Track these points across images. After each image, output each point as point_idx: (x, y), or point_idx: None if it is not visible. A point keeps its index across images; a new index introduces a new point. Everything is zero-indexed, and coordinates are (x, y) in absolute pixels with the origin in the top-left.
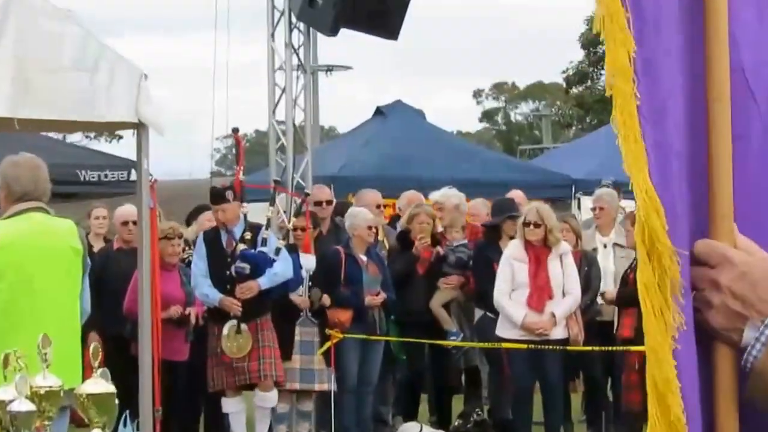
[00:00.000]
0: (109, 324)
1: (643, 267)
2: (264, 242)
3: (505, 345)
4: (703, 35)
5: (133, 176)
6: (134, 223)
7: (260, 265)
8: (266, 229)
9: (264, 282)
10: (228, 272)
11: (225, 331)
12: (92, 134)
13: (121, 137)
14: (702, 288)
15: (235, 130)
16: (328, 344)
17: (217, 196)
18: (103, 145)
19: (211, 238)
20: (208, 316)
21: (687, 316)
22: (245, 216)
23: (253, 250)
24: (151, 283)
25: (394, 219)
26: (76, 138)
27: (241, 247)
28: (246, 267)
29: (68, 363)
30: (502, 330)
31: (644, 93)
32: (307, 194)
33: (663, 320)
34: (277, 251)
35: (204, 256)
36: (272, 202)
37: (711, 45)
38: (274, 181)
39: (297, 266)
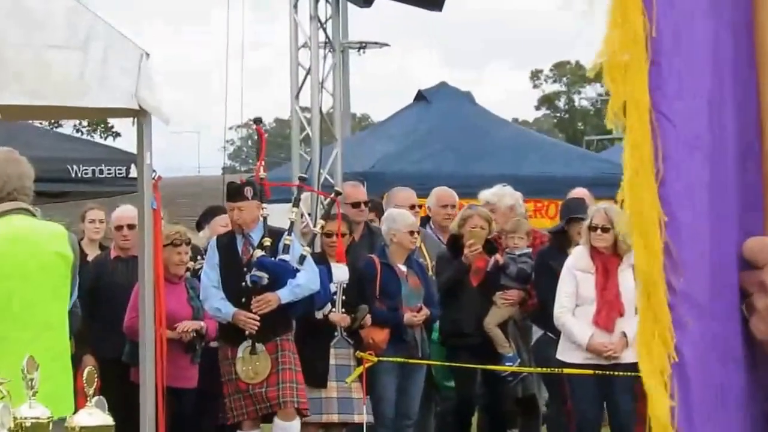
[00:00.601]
0: (105, 345)
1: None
2: (286, 249)
3: (567, 370)
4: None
5: (133, 172)
6: (130, 227)
7: (281, 275)
8: (289, 234)
9: (285, 295)
10: (243, 283)
11: (239, 353)
12: (84, 128)
13: (118, 134)
14: (750, 292)
15: (257, 121)
16: (359, 369)
17: (235, 193)
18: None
19: (225, 243)
20: (219, 336)
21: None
22: (265, 219)
23: (272, 258)
24: (154, 296)
25: (423, 220)
26: (66, 131)
27: (259, 253)
28: (264, 276)
29: (57, 390)
30: (563, 353)
31: (676, 84)
32: (339, 193)
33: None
34: (302, 260)
35: (216, 264)
36: (296, 203)
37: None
38: (299, 178)
39: (325, 278)
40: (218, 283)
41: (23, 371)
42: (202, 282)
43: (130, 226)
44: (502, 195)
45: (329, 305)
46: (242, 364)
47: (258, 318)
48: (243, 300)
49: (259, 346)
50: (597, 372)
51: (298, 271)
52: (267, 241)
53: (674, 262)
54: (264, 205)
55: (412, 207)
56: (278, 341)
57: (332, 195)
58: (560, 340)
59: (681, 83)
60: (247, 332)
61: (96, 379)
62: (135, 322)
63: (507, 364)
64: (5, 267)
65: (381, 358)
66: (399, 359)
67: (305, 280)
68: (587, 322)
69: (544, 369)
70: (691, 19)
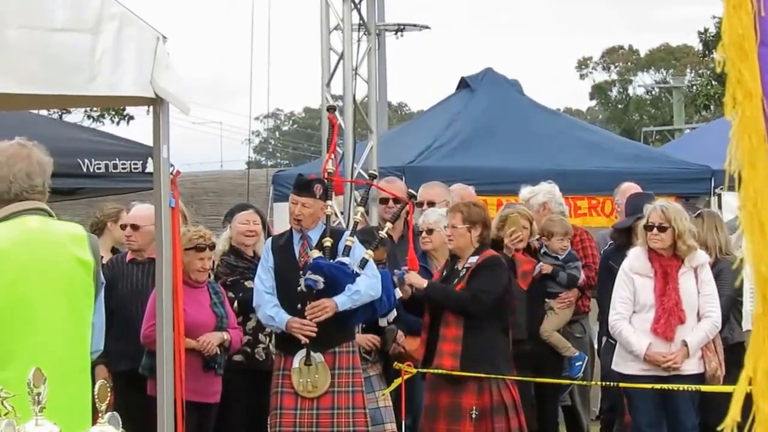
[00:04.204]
0: (120, 356)
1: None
2: (347, 251)
3: (624, 384)
4: None
5: (150, 167)
6: (134, 227)
7: (338, 279)
8: (352, 234)
9: (342, 301)
10: (299, 288)
11: (296, 363)
12: (95, 114)
13: (132, 118)
14: None
15: (331, 109)
16: (397, 381)
17: (303, 187)
18: (109, 129)
19: (281, 244)
20: (275, 346)
21: None
22: (328, 218)
23: (331, 261)
24: (172, 303)
25: None
26: (75, 119)
27: (315, 254)
28: (319, 280)
29: (75, 406)
30: (619, 363)
31: None
32: (413, 196)
33: None
34: (363, 264)
35: (270, 268)
36: (363, 202)
37: None
38: (369, 175)
39: (389, 283)
40: (272, 288)
41: (29, 385)
42: (255, 286)
43: (134, 227)
44: (536, 192)
45: (394, 312)
46: (299, 375)
47: (314, 325)
48: (299, 306)
49: (317, 356)
50: (656, 385)
51: (358, 275)
52: (327, 242)
53: None
54: (329, 202)
55: None
56: (336, 353)
57: (406, 198)
58: (615, 350)
59: None
60: (302, 341)
61: (109, 394)
62: (154, 331)
63: (577, 364)
64: (19, 274)
65: (420, 370)
66: (439, 371)
67: (365, 287)
68: (645, 330)
69: (598, 382)
70: None
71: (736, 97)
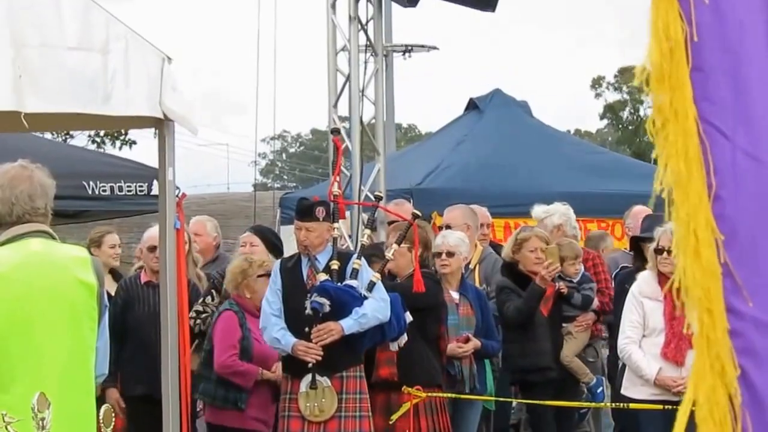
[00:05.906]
0: (133, 380)
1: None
2: (354, 274)
3: (634, 405)
4: None
5: (155, 189)
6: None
7: (345, 302)
8: (359, 257)
9: (348, 325)
10: (306, 311)
11: (302, 387)
12: (99, 138)
13: (134, 142)
14: None
15: (335, 131)
16: (406, 406)
17: (305, 211)
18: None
19: (289, 267)
20: (283, 369)
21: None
22: (335, 240)
23: (339, 284)
24: (177, 324)
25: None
26: (79, 143)
27: (322, 277)
28: (325, 303)
29: (78, 430)
30: (628, 388)
31: (723, 91)
32: (417, 216)
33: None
34: (371, 287)
35: (278, 290)
36: (370, 223)
37: None
38: (375, 197)
39: (399, 307)
40: (279, 311)
41: (33, 409)
42: (262, 309)
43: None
44: (552, 213)
45: (405, 336)
46: (305, 399)
47: (320, 349)
48: (306, 329)
49: (324, 380)
50: (666, 407)
51: (365, 298)
52: (335, 264)
53: (736, 284)
54: (336, 224)
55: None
56: (343, 378)
57: (412, 220)
58: (625, 375)
59: (734, 90)
60: (309, 364)
61: (113, 419)
62: (234, 360)
63: (599, 391)
64: (22, 297)
65: (430, 394)
66: (449, 394)
67: (372, 310)
68: (655, 354)
69: (607, 404)
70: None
71: (666, 118)
